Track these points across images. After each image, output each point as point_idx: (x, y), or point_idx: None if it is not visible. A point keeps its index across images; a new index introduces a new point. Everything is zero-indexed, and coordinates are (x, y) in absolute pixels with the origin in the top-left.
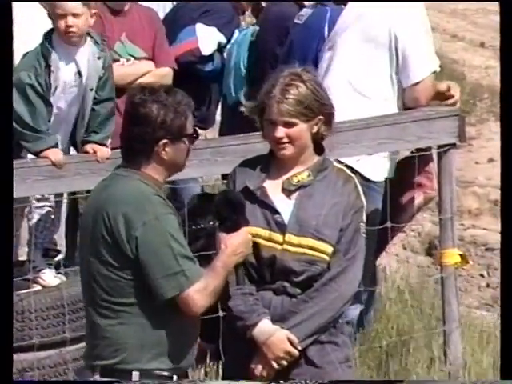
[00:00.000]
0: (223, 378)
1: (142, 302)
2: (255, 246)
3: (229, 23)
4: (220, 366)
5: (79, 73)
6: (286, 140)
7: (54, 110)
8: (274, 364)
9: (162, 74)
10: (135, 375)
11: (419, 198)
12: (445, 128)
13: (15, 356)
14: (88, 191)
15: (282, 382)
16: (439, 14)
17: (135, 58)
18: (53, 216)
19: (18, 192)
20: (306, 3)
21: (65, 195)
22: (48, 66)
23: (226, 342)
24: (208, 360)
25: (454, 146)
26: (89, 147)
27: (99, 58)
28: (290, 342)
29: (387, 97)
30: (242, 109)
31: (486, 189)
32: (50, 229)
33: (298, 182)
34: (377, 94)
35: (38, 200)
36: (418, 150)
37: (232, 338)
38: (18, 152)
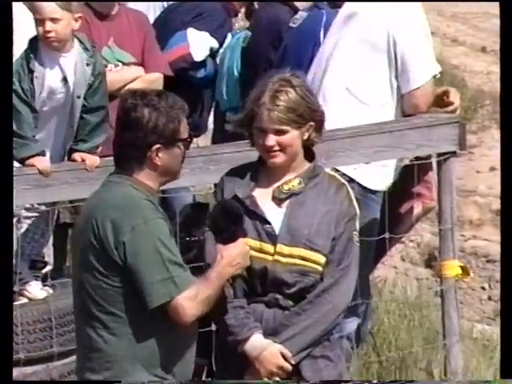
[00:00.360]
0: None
1: (132, 311)
2: None
3: (221, 27)
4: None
5: (65, 79)
6: (277, 148)
7: (42, 117)
8: (267, 380)
9: (152, 80)
10: None
11: (418, 208)
12: (445, 135)
13: None
14: (71, 201)
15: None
16: (439, 18)
17: (124, 64)
18: (42, 227)
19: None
20: (299, 5)
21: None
22: (31, 72)
23: (219, 357)
24: (204, 376)
25: (454, 154)
26: (77, 155)
27: (88, 65)
28: (283, 357)
29: (386, 103)
30: (229, 127)
31: (487, 198)
32: (39, 241)
33: (289, 189)
34: (375, 100)
35: (27, 209)
36: (416, 158)
37: (224, 352)
38: None
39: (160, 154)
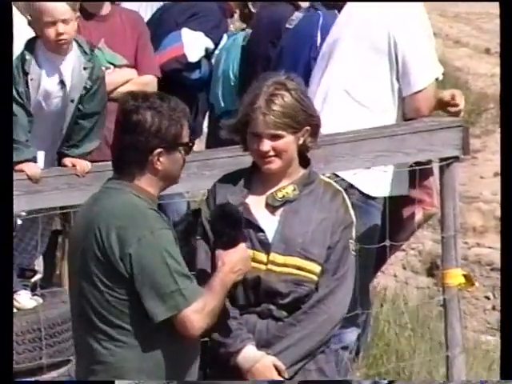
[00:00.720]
0: None
1: (139, 322)
2: None
3: (217, 27)
4: None
5: (62, 82)
6: (272, 153)
7: (38, 120)
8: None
9: (145, 83)
10: None
11: (418, 215)
12: (447, 140)
13: None
14: (62, 207)
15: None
16: (441, 19)
17: (115, 66)
18: (36, 239)
19: None
20: (301, 4)
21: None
22: (26, 74)
23: (210, 370)
24: None
25: (457, 159)
26: (67, 161)
27: (85, 69)
28: (277, 369)
29: (386, 106)
30: (223, 133)
31: (491, 205)
32: (31, 252)
33: (283, 196)
34: (375, 103)
35: (19, 216)
36: (417, 163)
37: (216, 365)
38: None
39: (161, 159)
